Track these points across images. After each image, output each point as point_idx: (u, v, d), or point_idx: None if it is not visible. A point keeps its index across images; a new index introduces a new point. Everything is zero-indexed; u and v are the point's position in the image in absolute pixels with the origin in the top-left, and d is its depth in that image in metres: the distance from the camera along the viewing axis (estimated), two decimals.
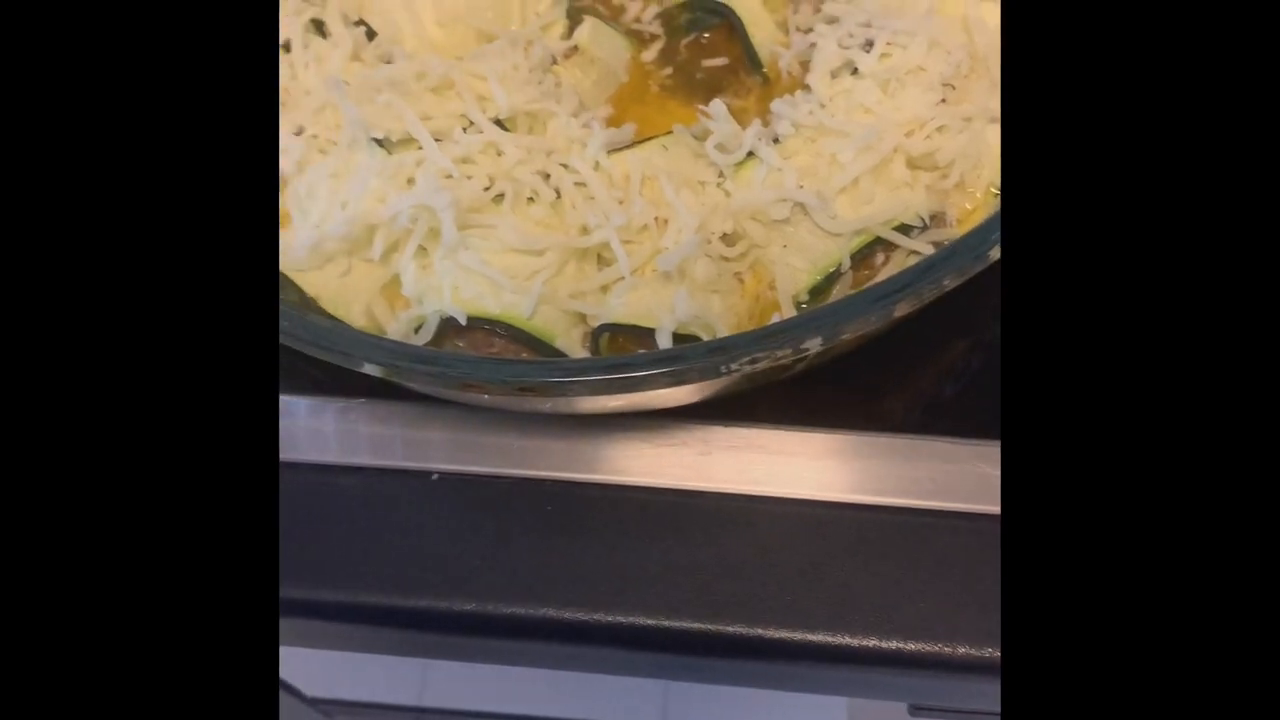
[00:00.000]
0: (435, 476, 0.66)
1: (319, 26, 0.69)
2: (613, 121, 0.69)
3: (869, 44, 0.64)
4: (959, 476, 0.63)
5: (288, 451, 0.66)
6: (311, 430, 0.67)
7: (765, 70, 0.71)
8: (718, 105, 0.65)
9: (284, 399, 0.67)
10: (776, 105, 0.64)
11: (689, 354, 0.53)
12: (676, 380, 0.54)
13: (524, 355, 0.60)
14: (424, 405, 0.66)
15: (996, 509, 0.62)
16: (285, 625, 0.64)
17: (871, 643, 0.59)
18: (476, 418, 0.66)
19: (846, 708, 0.96)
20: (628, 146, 0.63)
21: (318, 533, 0.65)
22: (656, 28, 0.74)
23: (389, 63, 0.68)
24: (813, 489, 0.63)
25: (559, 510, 0.64)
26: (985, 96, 0.63)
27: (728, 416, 0.65)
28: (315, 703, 1.27)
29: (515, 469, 0.65)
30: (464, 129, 0.62)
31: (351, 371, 0.54)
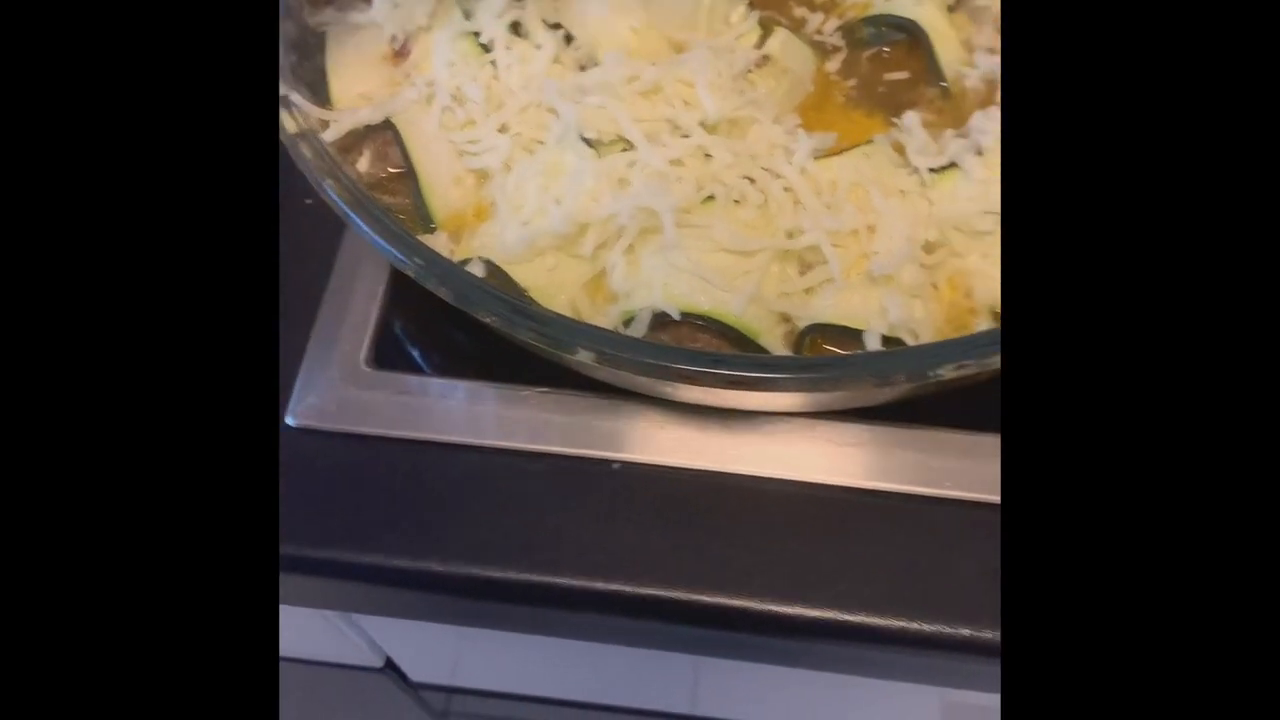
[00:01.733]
0: (616, 466, 0.68)
1: (517, 28, 0.71)
2: (802, 128, 0.71)
3: None
4: None
5: (475, 436, 0.68)
6: (500, 416, 0.69)
7: (949, 86, 0.72)
8: (911, 117, 0.67)
9: (477, 385, 0.69)
10: (976, 119, 0.65)
11: (930, 353, 0.55)
12: (884, 382, 0.56)
13: (728, 350, 0.62)
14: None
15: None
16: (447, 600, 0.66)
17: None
18: (627, 408, 0.67)
19: (939, 700, 0.96)
20: (831, 154, 0.65)
21: (498, 515, 0.67)
22: (838, 39, 0.76)
23: (584, 67, 0.70)
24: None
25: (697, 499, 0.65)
26: None
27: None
28: (418, 687, 1.30)
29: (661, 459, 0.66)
30: (670, 132, 0.65)
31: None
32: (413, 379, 0.71)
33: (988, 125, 0.64)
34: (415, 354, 0.73)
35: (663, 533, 0.64)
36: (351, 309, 0.73)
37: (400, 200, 0.69)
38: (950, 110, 0.72)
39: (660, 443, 0.67)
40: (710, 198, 0.63)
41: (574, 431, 0.68)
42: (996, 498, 0.64)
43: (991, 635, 0.61)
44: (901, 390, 0.62)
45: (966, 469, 0.64)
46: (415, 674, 1.24)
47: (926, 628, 0.61)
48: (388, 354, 0.72)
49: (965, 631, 0.61)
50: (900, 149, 0.66)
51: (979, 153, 0.64)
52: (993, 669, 0.62)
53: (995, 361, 0.55)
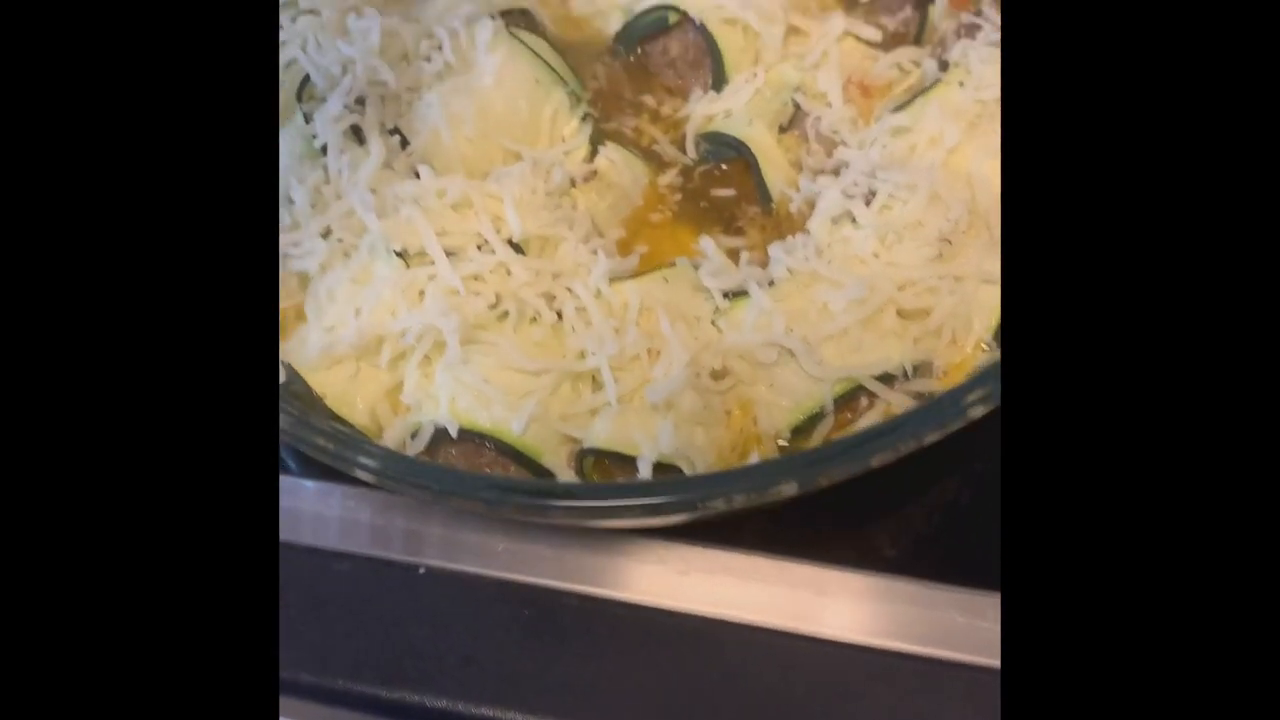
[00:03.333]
0: (423, 570, 0.68)
1: (357, 133, 0.73)
2: (624, 244, 0.72)
3: (872, 194, 0.66)
4: (936, 623, 0.64)
5: (288, 533, 0.69)
6: (314, 515, 0.70)
7: (775, 205, 0.73)
8: (707, 242, 0.69)
9: (293, 480, 0.70)
10: (773, 249, 0.66)
11: (663, 489, 0.56)
12: (651, 514, 0.56)
13: (512, 469, 0.62)
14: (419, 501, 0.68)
15: (970, 659, 0.63)
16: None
17: None
18: (469, 518, 0.68)
19: None
20: (632, 276, 0.66)
21: (309, 616, 0.68)
22: (674, 152, 0.77)
23: (417, 174, 0.72)
24: (785, 619, 0.65)
25: (535, 616, 0.66)
26: (981, 255, 0.65)
27: (711, 538, 0.67)
28: None
29: (499, 571, 0.67)
30: (479, 246, 0.66)
31: None
32: None
33: (783, 256, 0.65)
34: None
35: (452, 641, 0.65)
36: None
37: None
38: (772, 229, 0.73)
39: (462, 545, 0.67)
40: (505, 314, 0.64)
41: (383, 534, 0.69)
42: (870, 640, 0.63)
43: None
44: (696, 515, 0.63)
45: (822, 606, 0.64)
46: None
47: None
48: None
49: None
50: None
51: (771, 283, 0.65)
52: None
53: (763, 498, 0.56)
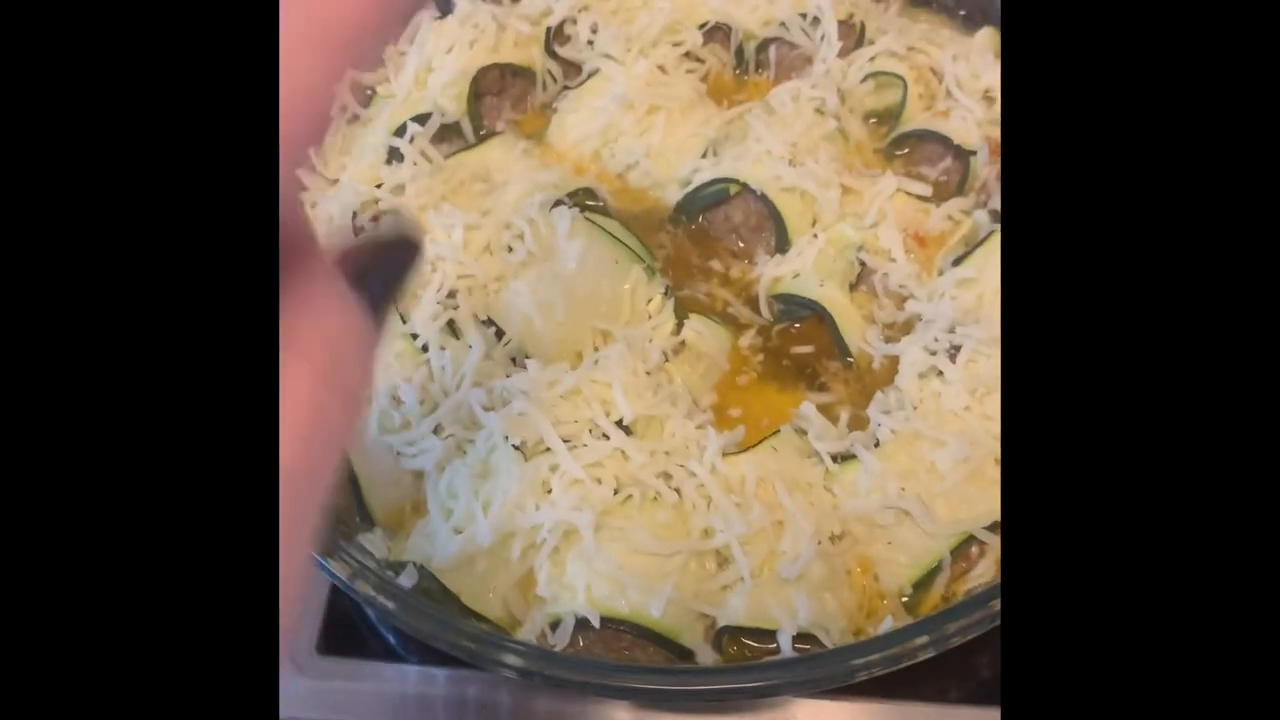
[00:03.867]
0: None
1: (452, 327, 0.77)
2: (716, 408, 0.76)
3: (955, 349, 0.71)
4: None
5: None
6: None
7: (854, 360, 0.78)
8: (808, 408, 0.72)
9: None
10: (873, 412, 0.70)
11: (815, 663, 0.58)
12: (810, 688, 0.59)
13: (650, 651, 0.64)
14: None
15: None
16: None
17: None
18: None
19: None
20: (743, 448, 0.69)
21: None
22: (749, 314, 0.82)
23: (515, 360, 0.75)
24: None
25: None
26: None
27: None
28: None
29: None
30: (589, 431, 0.69)
31: None
32: (364, 665, 0.73)
33: (883, 417, 0.69)
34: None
35: None
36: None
37: (339, 500, 0.73)
38: (855, 382, 0.77)
39: None
40: (629, 498, 0.67)
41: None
42: None
43: None
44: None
45: None
46: None
47: None
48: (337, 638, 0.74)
49: None
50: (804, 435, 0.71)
51: (876, 444, 0.68)
52: None
53: (915, 657, 0.59)
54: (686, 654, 0.64)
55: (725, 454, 0.69)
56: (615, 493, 0.66)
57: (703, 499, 0.67)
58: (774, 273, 0.82)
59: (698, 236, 0.87)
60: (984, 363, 0.70)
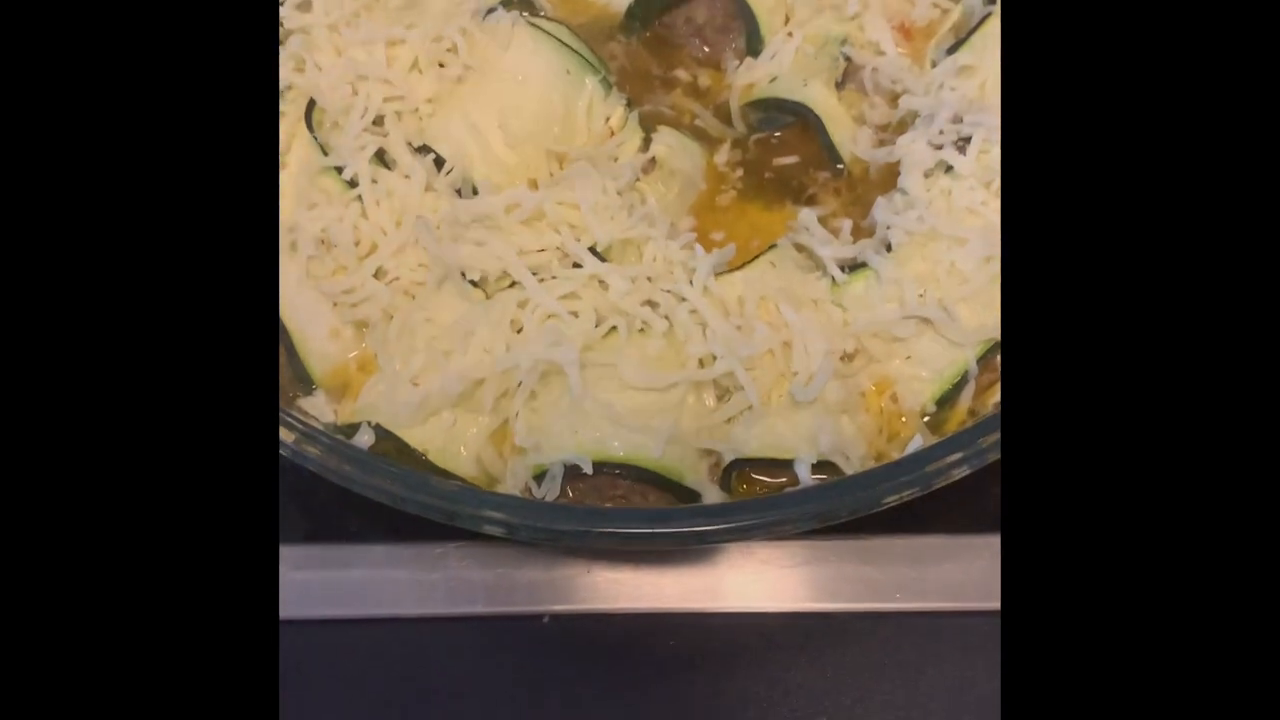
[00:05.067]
0: (546, 620, 0.63)
1: (383, 157, 0.65)
2: (697, 232, 0.67)
3: (964, 140, 0.63)
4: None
5: (393, 607, 0.62)
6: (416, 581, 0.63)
7: (846, 167, 0.69)
8: (808, 214, 0.64)
9: (389, 548, 0.63)
10: (878, 213, 0.62)
11: (848, 486, 0.51)
12: (827, 519, 0.52)
13: (652, 497, 0.57)
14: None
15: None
16: None
17: None
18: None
19: None
20: (734, 267, 0.61)
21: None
22: (721, 127, 0.72)
23: (461, 192, 0.65)
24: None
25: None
26: None
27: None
28: None
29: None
30: (559, 261, 0.60)
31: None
32: (316, 550, 0.64)
33: (892, 218, 0.61)
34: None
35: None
36: None
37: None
38: (849, 192, 0.69)
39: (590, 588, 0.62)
40: (613, 330, 0.58)
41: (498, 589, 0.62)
42: (952, 604, 0.60)
43: None
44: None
45: (915, 578, 0.61)
46: None
47: None
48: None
49: None
50: (803, 249, 0.63)
51: (888, 247, 0.61)
52: None
53: (949, 477, 0.52)
54: (691, 496, 0.57)
55: (717, 274, 0.60)
56: (596, 326, 0.58)
57: (697, 325, 0.58)
58: (747, 78, 0.72)
59: (655, 44, 0.76)
60: (997, 152, 0.62)
